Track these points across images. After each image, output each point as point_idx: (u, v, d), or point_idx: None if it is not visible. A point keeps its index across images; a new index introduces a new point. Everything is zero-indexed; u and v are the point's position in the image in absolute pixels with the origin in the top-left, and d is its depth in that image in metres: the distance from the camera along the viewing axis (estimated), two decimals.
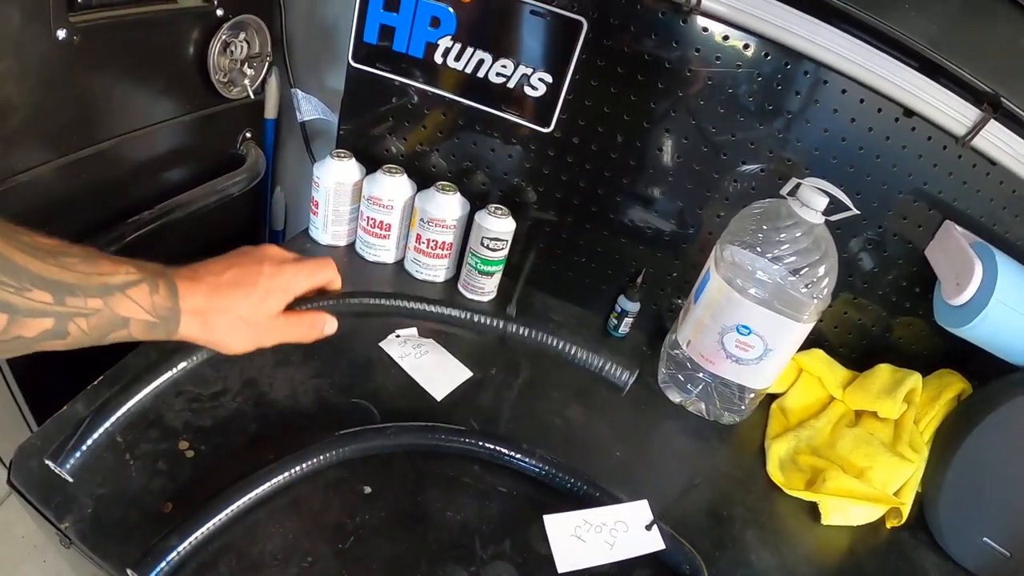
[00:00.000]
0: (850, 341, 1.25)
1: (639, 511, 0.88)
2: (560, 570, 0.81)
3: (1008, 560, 1.01)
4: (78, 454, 0.72)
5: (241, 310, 0.67)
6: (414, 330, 1.09)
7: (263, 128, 1.38)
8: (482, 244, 1.15)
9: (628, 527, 0.86)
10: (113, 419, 0.75)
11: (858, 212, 0.98)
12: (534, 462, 0.90)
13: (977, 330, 1.01)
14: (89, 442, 0.73)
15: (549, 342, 0.92)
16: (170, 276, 0.63)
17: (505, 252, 1.18)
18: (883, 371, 1.19)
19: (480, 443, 0.91)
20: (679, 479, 1.03)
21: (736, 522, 0.99)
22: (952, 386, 1.15)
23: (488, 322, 0.93)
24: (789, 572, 0.94)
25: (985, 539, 1.02)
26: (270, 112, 1.37)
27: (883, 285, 1.19)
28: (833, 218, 0.99)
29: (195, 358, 0.79)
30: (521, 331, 0.92)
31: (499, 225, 1.14)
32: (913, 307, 1.19)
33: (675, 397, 1.17)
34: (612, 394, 1.12)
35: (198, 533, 0.70)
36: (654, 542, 0.86)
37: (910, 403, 1.15)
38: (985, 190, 1.07)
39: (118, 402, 0.76)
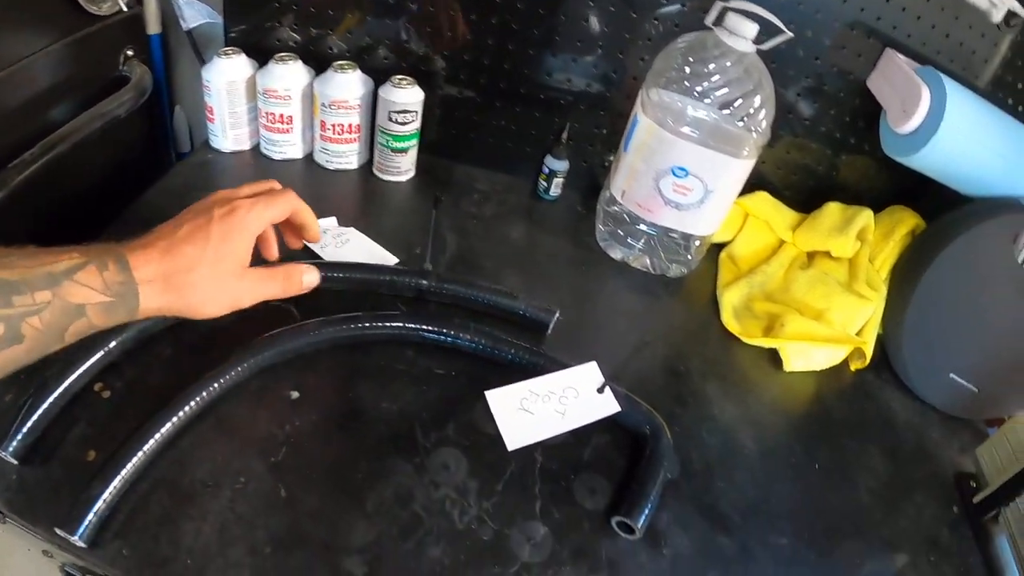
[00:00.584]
0: (795, 183, 1.18)
1: (589, 374, 0.82)
2: (510, 447, 0.74)
3: (977, 395, 0.99)
4: (20, 436, 0.66)
5: (202, 266, 0.61)
6: (333, 219, 1.01)
7: (148, 45, 1.25)
8: (390, 119, 1.06)
9: (579, 392, 0.80)
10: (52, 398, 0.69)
11: (791, 35, 0.89)
12: (469, 337, 0.82)
13: (928, 158, 0.95)
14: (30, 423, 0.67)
15: (468, 295, 0.88)
16: (118, 250, 0.58)
17: (416, 125, 1.09)
18: (833, 209, 1.14)
19: (410, 325, 0.83)
20: (629, 338, 0.97)
21: (694, 376, 0.93)
22: (905, 222, 1.10)
23: (403, 280, 0.88)
24: (754, 422, 0.89)
25: (952, 375, 0.99)
26: (152, 27, 1.24)
27: (825, 122, 1.12)
28: (765, 46, 0.91)
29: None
30: (441, 286, 0.89)
31: (405, 96, 1.05)
32: (858, 143, 1.13)
33: (616, 254, 1.10)
34: (551, 259, 1.07)
35: (122, 475, 0.63)
36: (608, 405, 0.80)
37: (863, 241, 1.10)
38: (926, 16, 1.01)
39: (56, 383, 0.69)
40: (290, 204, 0.70)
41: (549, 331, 0.89)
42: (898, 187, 1.17)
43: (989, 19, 0.99)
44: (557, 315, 0.89)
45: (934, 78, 0.95)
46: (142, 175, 1.06)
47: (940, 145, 0.93)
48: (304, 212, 0.72)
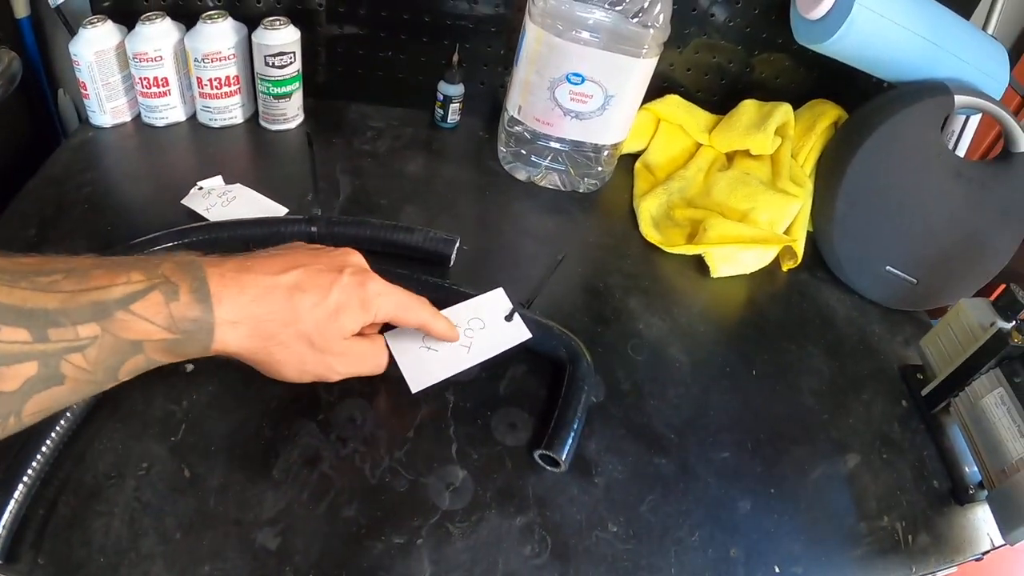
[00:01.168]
0: (708, 84, 1.13)
1: (495, 302, 0.76)
2: (414, 390, 0.69)
3: (915, 286, 0.97)
4: None
5: (305, 324, 0.54)
6: (219, 178, 0.94)
7: (17, 29, 1.16)
8: (267, 64, 0.99)
9: (484, 323, 0.74)
10: None
11: None
12: None
13: (843, 42, 0.91)
14: None
15: (360, 235, 0.83)
16: (198, 271, 0.49)
17: (296, 67, 1.02)
18: (748, 107, 1.09)
19: None
20: (542, 260, 0.92)
21: (615, 292, 0.89)
22: (826, 114, 1.06)
23: (290, 230, 0.82)
24: (684, 334, 0.85)
25: (888, 268, 0.97)
26: (20, 10, 1.15)
27: (734, 16, 1.06)
28: None
29: None
30: (331, 229, 0.82)
31: (279, 37, 0.97)
32: (771, 37, 1.08)
33: (522, 175, 1.04)
34: (453, 188, 1.02)
35: (24, 482, 0.58)
36: (519, 333, 0.74)
37: (784, 136, 1.05)
38: None
39: None
40: (422, 318, 0.64)
41: (452, 261, 0.84)
42: (817, 81, 1.13)
43: None
44: (458, 243, 0.84)
45: None
46: (29, 166, 0.99)
47: (855, 27, 0.89)
48: (434, 328, 0.66)
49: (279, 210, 0.91)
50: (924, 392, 0.84)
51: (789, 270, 0.98)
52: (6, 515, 0.56)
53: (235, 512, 0.61)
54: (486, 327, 0.74)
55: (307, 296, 0.54)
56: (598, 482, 0.68)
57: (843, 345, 0.90)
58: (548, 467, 0.68)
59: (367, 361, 0.63)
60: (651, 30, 0.86)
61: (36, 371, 0.41)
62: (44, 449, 0.60)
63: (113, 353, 0.45)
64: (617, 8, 0.84)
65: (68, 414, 0.62)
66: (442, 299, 0.76)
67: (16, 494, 0.57)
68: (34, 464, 0.59)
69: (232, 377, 0.71)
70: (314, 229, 0.81)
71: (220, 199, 0.91)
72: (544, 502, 0.66)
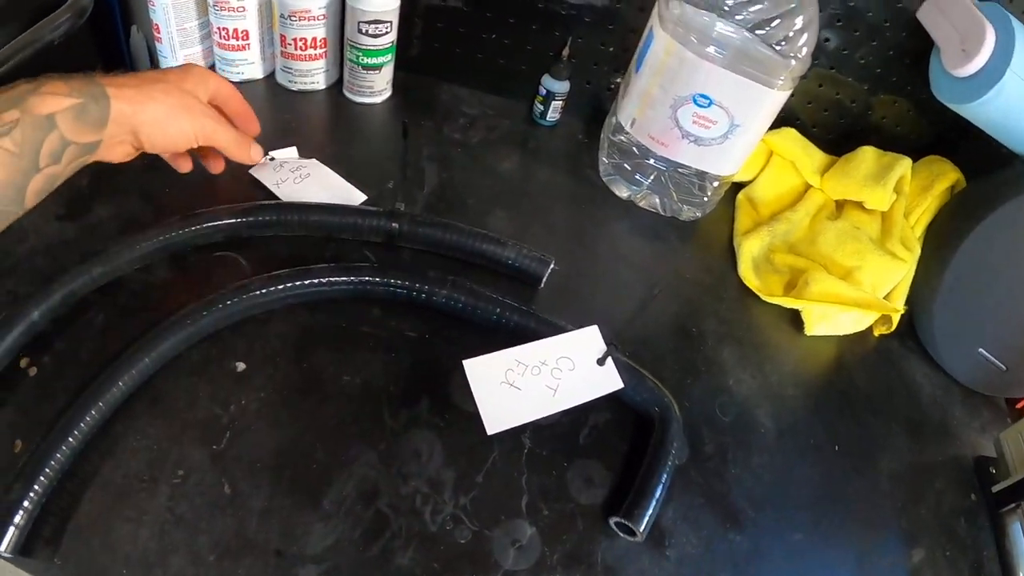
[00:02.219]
0: (826, 120, 1.05)
1: (588, 340, 0.69)
2: (489, 431, 0.62)
3: (1004, 373, 0.90)
4: None
5: (167, 83, 0.63)
6: (293, 149, 0.88)
7: None
8: (359, 31, 0.91)
9: (575, 364, 0.67)
10: None
11: None
12: (446, 293, 0.70)
13: (987, 108, 0.84)
14: None
15: (446, 240, 0.77)
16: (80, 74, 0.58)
17: (391, 37, 0.94)
18: (868, 154, 1.01)
19: (376, 279, 0.70)
20: (635, 291, 0.85)
21: (708, 339, 0.82)
22: (945, 175, 0.98)
23: (369, 223, 0.76)
24: (773, 395, 0.79)
25: (981, 350, 0.90)
26: None
27: (865, 54, 0.98)
28: None
29: None
30: (415, 229, 0.77)
31: (376, 3, 0.90)
32: (900, 82, 1.00)
33: (622, 192, 0.97)
34: (546, 195, 0.94)
35: (47, 473, 0.53)
36: (610, 380, 0.68)
37: (899, 193, 0.98)
38: None
39: None
40: (228, 84, 0.70)
41: (542, 284, 0.77)
42: (936, 134, 1.05)
43: None
44: (552, 265, 0.77)
45: (1000, 16, 0.82)
46: None
47: (1003, 94, 0.81)
48: (237, 97, 0.72)
49: (356, 196, 0.84)
50: (995, 489, 0.79)
51: (879, 335, 0.92)
52: (21, 510, 0.52)
53: (277, 541, 0.56)
54: (576, 369, 0.67)
55: (161, 72, 0.65)
56: (670, 555, 0.63)
57: (924, 426, 0.85)
58: (623, 534, 0.62)
59: (225, 130, 0.68)
60: (792, 61, 0.78)
61: None
62: (71, 440, 0.55)
63: (34, 130, 0.52)
64: (759, 31, 0.76)
65: (101, 403, 0.57)
66: (531, 329, 0.69)
67: (36, 485, 0.52)
68: (58, 455, 0.54)
69: (289, 384, 0.65)
70: (395, 225, 0.74)
71: (292, 174, 0.85)
72: (613, 572, 0.61)
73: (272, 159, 0.86)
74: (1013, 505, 0.76)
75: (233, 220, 0.72)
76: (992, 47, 0.82)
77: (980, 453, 0.83)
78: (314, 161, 0.87)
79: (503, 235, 0.79)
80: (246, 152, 0.70)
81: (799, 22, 0.77)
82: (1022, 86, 0.81)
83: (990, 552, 0.75)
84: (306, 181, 0.84)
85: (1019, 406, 0.93)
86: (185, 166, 0.72)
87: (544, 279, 0.77)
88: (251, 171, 0.83)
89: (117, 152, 0.61)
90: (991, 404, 0.92)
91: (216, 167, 0.75)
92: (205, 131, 0.65)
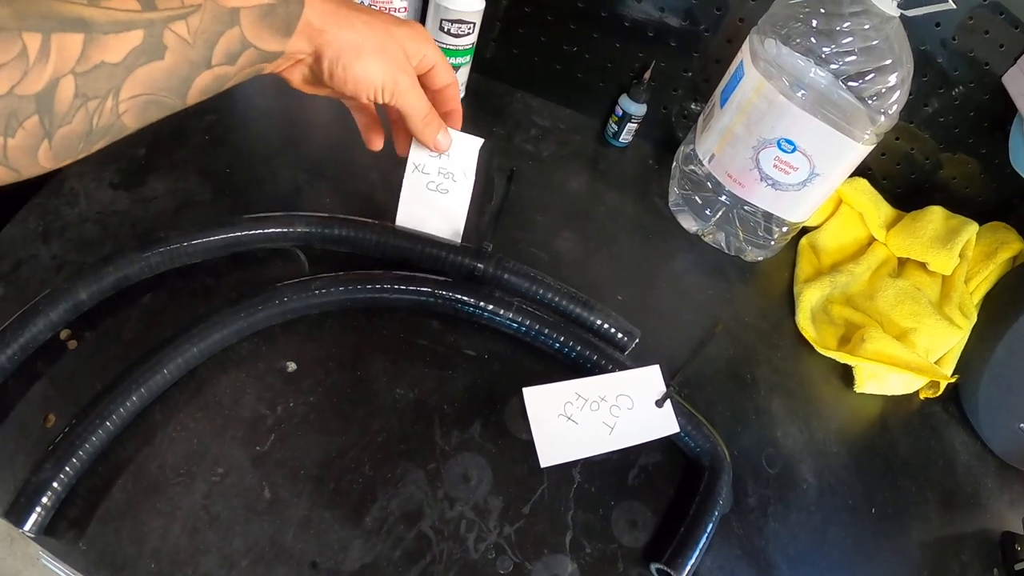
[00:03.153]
0: (896, 173, 1.03)
1: (648, 380, 0.68)
2: (543, 464, 0.61)
3: None
4: None
5: (377, 18, 0.56)
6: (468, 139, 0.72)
7: None
8: (442, 29, 0.89)
9: (633, 403, 0.66)
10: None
11: (954, 6, 0.74)
12: (511, 316, 0.68)
13: None
14: None
15: (531, 292, 0.72)
16: None
17: (472, 39, 0.92)
18: (936, 214, 0.99)
19: (440, 292, 0.68)
20: (694, 330, 0.84)
21: (761, 387, 0.81)
22: (1009, 244, 0.97)
23: (453, 259, 0.71)
24: (818, 452, 0.78)
25: (1021, 426, 0.89)
26: None
27: (945, 112, 0.96)
28: (915, 11, 0.76)
29: None
30: (499, 273, 0.71)
31: (462, 3, 0.87)
32: (976, 143, 0.98)
33: (690, 225, 0.95)
34: (614, 220, 0.92)
35: (80, 455, 0.52)
36: (667, 424, 0.66)
37: (962, 258, 0.96)
38: None
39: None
40: (450, 72, 0.63)
41: (626, 354, 0.73)
42: (1003, 200, 1.03)
43: None
44: (638, 340, 0.73)
45: None
46: None
47: None
48: (454, 91, 0.65)
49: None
50: (1017, 567, 0.78)
51: (924, 398, 0.91)
52: (49, 490, 0.50)
53: (314, 553, 0.54)
54: (634, 408, 0.65)
55: (375, 12, 0.57)
56: None
57: (957, 495, 0.83)
58: None
59: (420, 97, 0.60)
60: (881, 117, 0.76)
61: (141, 40, 0.42)
62: (108, 423, 0.53)
63: (213, 22, 0.46)
64: (852, 83, 0.74)
65: (143, 389, 0.55)
66: (593, 362, 0.67)
67: (67, 467, 0.51)
68: (94, 438, 0.53)
69: (340, 391, 0.64)
70: (480, 266, 0.70)
71: (438, 179, 0.73)
72: None
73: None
74: None
75: (306, 230, 0.68)
76: None
77: (1007, 528, 0.82)
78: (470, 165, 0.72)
79: (567, 263, 0.78)
80: (433, 133, 0.62)
81: (893, 79, 0.75)
82: None
83: None
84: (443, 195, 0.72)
85: None
86: (377, 142, 0.67)
87: (628, 351, 0.74)
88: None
89: (295, 74, 0.56)
90: (1022, 478, 0.90)
91: (401, 147, 0.68)
92: (398, 85, 0.57)
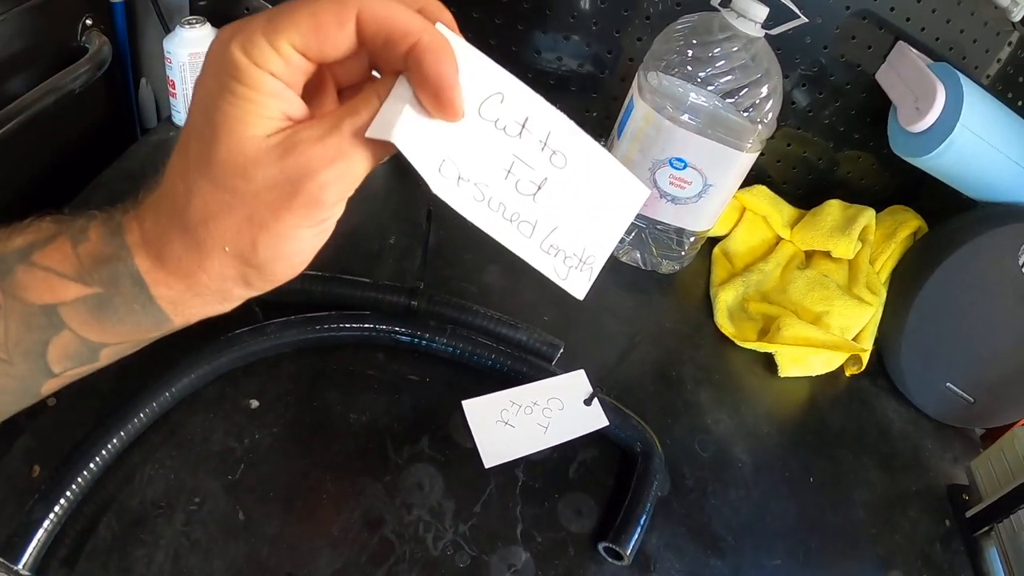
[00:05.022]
0: (794, 177, 1.12)
1: (575, 383, 0.75)
2: (487, 464, 0.68)
3: (971, 405, 0.96)
4: None
5: (200, 177, 0.33)
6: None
7: (110, 13, 1.16)
8: None
9: (564, 404, 0.73)
10: None
11: (806, 20, 0.84)
12: (446, 341, 0.75)
13: (940, 159, 0.91)
14: None
15: (465, 319, 0.79)
16: (110, 211, 0.37)
17: None
18: (834, 207, 1.08)
19: (381, 327, 0.75)
20: (618, 340, 0.91)
21: (687, 383, 0.87)
22: (907, 223, 1.05)
23: (388, 298, 0.78)
24: (749, 434, 0.84)
25: (948, 384, 0.96)
26: None
27: (829, 115, 1.06)
28: (775, 31, 0.84)
29: None
30: (433, 308, 0.78)
31: None
32: (862, 138, 1.08)
33: None
34: None
35: (67, 496, 0.56)
36: (596, 419, 0.73)
37: (864, 241, 1.05)
38: (942, 9, 0.96)
39: None
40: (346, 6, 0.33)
41: (553, 364, 0.81)
42: (899, 185, 1.13)
43: (1008, 16, 0.92)
44: (562, 349, 0.81)
45: (950, 75, 0.90)
46: (105, 154, 0.98)
47: (954, 147, 0.89)
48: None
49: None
50: (968, 514, 0.83)
51: (851, 375, 0.97)
52: (41, 529, 0.54)
53: (289, 565, 0.59)
54: (564, 409, 0.73)
55: (182, 152, 0.35)
56: None
57: (896, 458, 0.89)
58: (610, 559, 0.66)
59: (313, 158, 0.33)
60: (759, 126, 0.85)
61: None
62: (92, 465, 0.58)
63: (27, 328, 0.34)
64: (729, 99, 0.84)
65: (122, 432, 0.61)
66: (523, 373, 0.75)
67: (56, 507, 0.55)
68: (79, 480, 0.57)
69: (299, 421, 0.69)
70: (414, 303, 0.78)
71: None
72: None
73: None
74: (987, 528, 0.80)
75: None
76: (943, 104, 0.89)
77: (953, 482, 0.88)
78: None
79: (494, 292, 0.85)
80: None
81: (765, 90, 0.84)
82: (971, 138, 0.88)
83: (967, 574, 0.78)
84: None
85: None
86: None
87: (554, 361, 0.81)
88: None
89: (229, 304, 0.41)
90: (963, 436, 0.96)
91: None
92: (294, 206, 0.34)
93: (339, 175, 0.33)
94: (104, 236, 0.35)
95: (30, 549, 0.53)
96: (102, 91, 1.12)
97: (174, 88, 1.01)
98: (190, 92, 1.00)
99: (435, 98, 0.34)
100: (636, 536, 0.66)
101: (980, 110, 0.89)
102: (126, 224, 0.35)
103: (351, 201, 0.37)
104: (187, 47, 0.97)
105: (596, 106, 1.08)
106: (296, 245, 0.35)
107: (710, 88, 0.84)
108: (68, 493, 0.56)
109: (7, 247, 0.34)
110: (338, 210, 0.36)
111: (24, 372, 0.36)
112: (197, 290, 0.36)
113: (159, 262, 0.35)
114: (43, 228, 0.35)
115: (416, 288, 0.78)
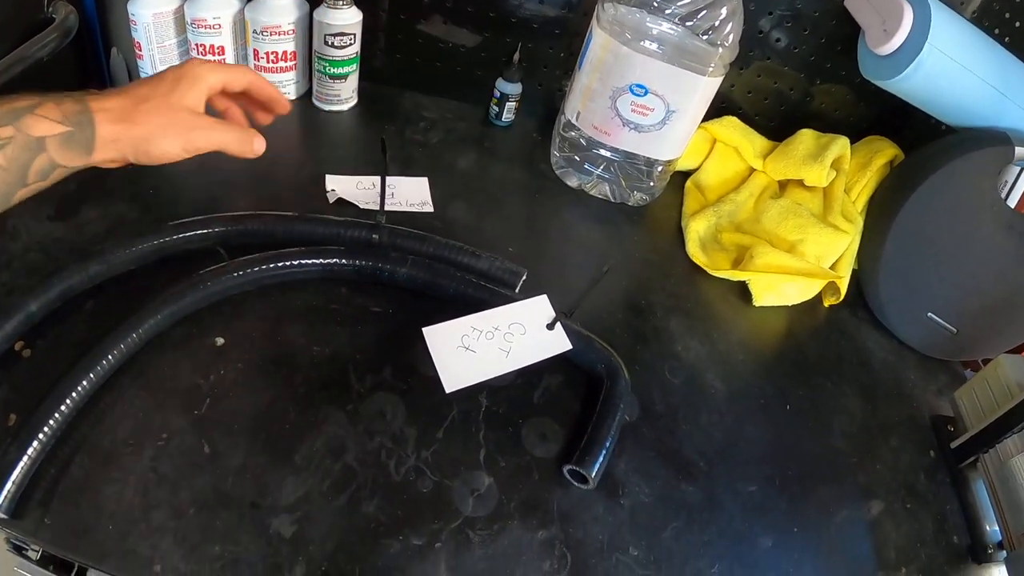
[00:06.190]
0: (767, 109, 1.11)
1: (538, 309, 0.75)
2: (448, 389, 0.68)
3: (955, 336, 0.95)
4: None
5: (155, 98, 0.62)
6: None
7: None
8: (326, 43, 0.98)
9: (526, 329, 0.73)
10: None
11: None
12: (407, 271, 0.75)
13: (910, 81, 0.89)
14: None
15: (424, 251, 0.79)
16: (76, 93, 0.60)
17: (355, 49, 1.01)
18: (806, 136, 1.06)
19: (343, 260, 0.75)
20: (586, 270, 0.90)
21: (657, 311, 0.87)
22: (883, 152, 1.04)
23: (351, 233, 0.79)
24: (722, 361, 0.84)
25: (929, 314, 0.95)
26: None
27: (799, 44, 1.04)
28: None
29: None
30: (394, 240, 0.80)
31: (341, 17, 0.96)
32: (835, 68, 1.06)
33: (573, 181, 1.03)
34: (502, 188, 1.00)
35: (39, 439, 0.57)
36: (559, 343, 0.73)
37: (839, 170, 1.03)
38: None
39: None
40: (245, 75, 0.69)
41: (516, 291, 0.81)
42: (876, 117, 1.11)
43: None
44: (524, 277, 0.81)
45: None
46: None
47: (923, 68, 0.87)
48: (263, 85, 0.71)
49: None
50: (953, 445, 0.82)
51: (830, 306, 0.96)
52: (16, 472, 0.55)
53: (252, 495, 0.60)
54: (527, 333, 0.73)
55: (150, 83, 0.64)
56: (624, 503, 0.67)
57: (877, 388, 0.88)
58: (576, 483, 0.66)
59: (223, 132, 0.65)
60: (719, 49, 0.85)
61: None
62: (63, 408, 0.59)
63: (24, 150, 0.55)
64: (688, 23, 0.83)
65: (91, 375, 0.61)
66: (484, 300, 0.75)
67: (30, 451, 0.56)
68: (51, 422, 0.58)
69: (263, 356, 0.70)
70: (375, 236, 0.78)
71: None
72: (568, 518, 0.64)
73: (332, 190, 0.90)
74: (972, 459, 0.79)
75: (223, 228, 0.76)
76: (910, 24, 0.87)
77: (937, 413, 0.87)
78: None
79: (459, 224, 0.85)
80: (249, 147, 0.67)
81: (724, 12, 0.83)
82: (941, 58, 0.86)
83: (953, 505, 0.78)
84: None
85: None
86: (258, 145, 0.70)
87: (517, 288, 0.81)
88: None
89: (115, 166, 0.62)
90: (947, 368, 0.95)
91: (263, 119, 0.75)
92: (195, 144, 0.63)
93: (206, 140, 0.64)
94: (76, 100, 0.58)
95: (5, 491, 0.54)
96: (71, 60, 1.10)
97: (140, 50, 1.01)
98: (156, 53, 1.01)
99: (273, 100, 0.73)
100: (601, 459, 0.65)
101: (950, 31, 0.87)
102: (89, 98, 0.59)
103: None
104: (150, 8, 0.97)
105: (561, 45, 1.07)
106: (170, 147, 0.62)
107: (667, 13, 0.83)
108: (40, 435, 0.57)
109: (17, 104, 0.56)
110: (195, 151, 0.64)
111: (11, 179, 0.55)
112: (120, 142, 0.60)
113: (106, 116, 0.59)
114: (35, 96, 0.57)
115: (377, 223, 0.78)
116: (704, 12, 0.83)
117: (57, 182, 0.59)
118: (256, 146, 0.68)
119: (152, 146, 0.61)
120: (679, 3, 0.82)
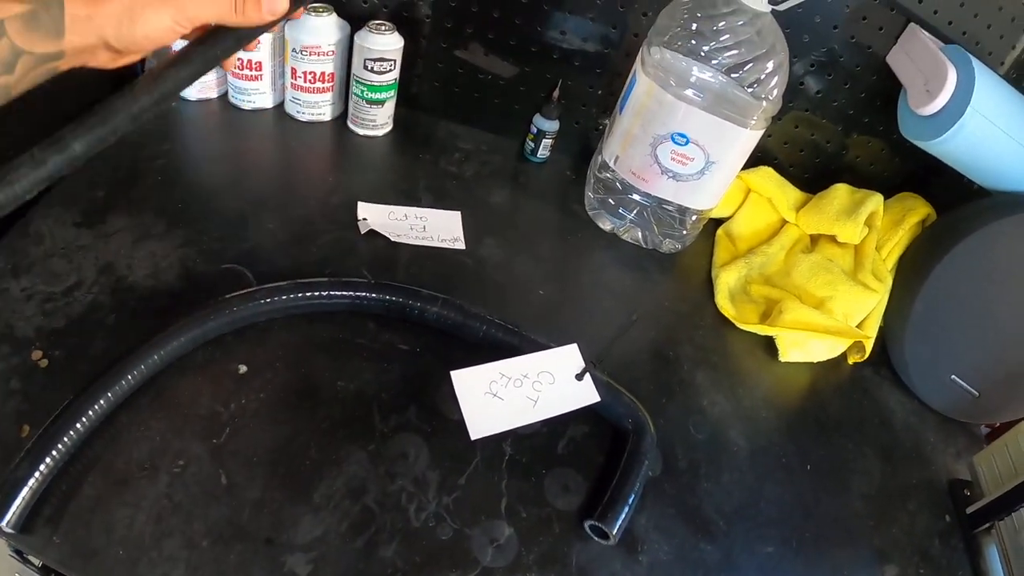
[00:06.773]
0: (802, 160, 1.10)
1: (568, 358, 0.74)
2: (473, 436, 0.67)
3: (977, 399, 0.93)
4: None
5: None
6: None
7: None
8: (365, 67, 0.97)
9: (555, 378, 0.72)
10: None
11: None
12: (437, 310, 0.74)
13: (950, 143, 0.88)
14: None
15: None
16: None
17: (394, 75, 1.00)
18: (841, 191, 1.05)
19: (372, 295, 0.74)
20: (615, 317, 0.89)
21: (684, 363, 0.86)
22: (916, 210, 1.03)
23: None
24: (746, 417, 0.83)
25: (953, 377, 0.93)
26: None
27: (838, 97, 1.03)
28: (781, 6, 0.83)
29: None
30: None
31: (383, 42, 0.95)
32: (872, 123, 1.05)
33: (606, 225, 1.02)
34: (534, 226, 0.99)
35: (53, 455, 0.56)
36: (587, 394, 0.72)
37: (871, 227, 1.02)
38: None
39: None
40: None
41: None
42: (909, 172, 1.10)
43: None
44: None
45: (962, 58, 0.87)
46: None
47: (964, 131, 0.86)
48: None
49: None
50: (969, 510, 0.81)
51: (854, 363, 0.95)
52: (25, 488, 0.54)
53: (268, 530, 0.59)
54: (556, 383, 0.71)
55: None
56: (642, 560, 0.66)
57: (897, 449, 0.87)
58: (597, 538, 0.65)
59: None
60: (763, 102, 0.84)
61: None
62: (78, 426, 0.58)
63: None
64: (733, 75, 0.82)
65: (109, 394, 0.60)
66: (515, 346, 0.74)
67: (42, 466, 0.55)
68: (65, 439, 0.57)
69: (287, 387, 0.69)
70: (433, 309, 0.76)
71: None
72: (586, 573, 0.63)
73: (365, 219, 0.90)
74: (987, 525, 0.78)
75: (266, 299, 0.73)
76: (953, 86, 0.86)
77: (955, 477, 0.86)
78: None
79: (490, 266, 0.84)
80: (256, 13, 0.54)
81: (770, 66, 0.83)
82: (982, 122, 0.85)
83: (965, 572, 0.77)
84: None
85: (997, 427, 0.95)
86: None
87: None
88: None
89: (98, 60, 0.53)
90: (966, 431, 0.94)
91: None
92: (187, 14, 0.51)
93: (199, 8, 0.51)
94: None
95: (14, 507, 0.53)
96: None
97: None
98: None
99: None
100: (623, 515, 0.64)
101: (992, 95, 0.86)
102: None
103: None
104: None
105: (600, 83, 1.07)
106: (158, 21, 0.50)
107: (714, 63, 0.82)
108: (54, 452, 0.56)
109: None
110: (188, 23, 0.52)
111: None
112: (95, 20, 0.49)
113: None
114: None
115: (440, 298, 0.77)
116: (751, 64, 0.82)
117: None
118: (267, 7, 0.54)
119: (136, 22, 0.50)
120: (728, 53, 0.82)
